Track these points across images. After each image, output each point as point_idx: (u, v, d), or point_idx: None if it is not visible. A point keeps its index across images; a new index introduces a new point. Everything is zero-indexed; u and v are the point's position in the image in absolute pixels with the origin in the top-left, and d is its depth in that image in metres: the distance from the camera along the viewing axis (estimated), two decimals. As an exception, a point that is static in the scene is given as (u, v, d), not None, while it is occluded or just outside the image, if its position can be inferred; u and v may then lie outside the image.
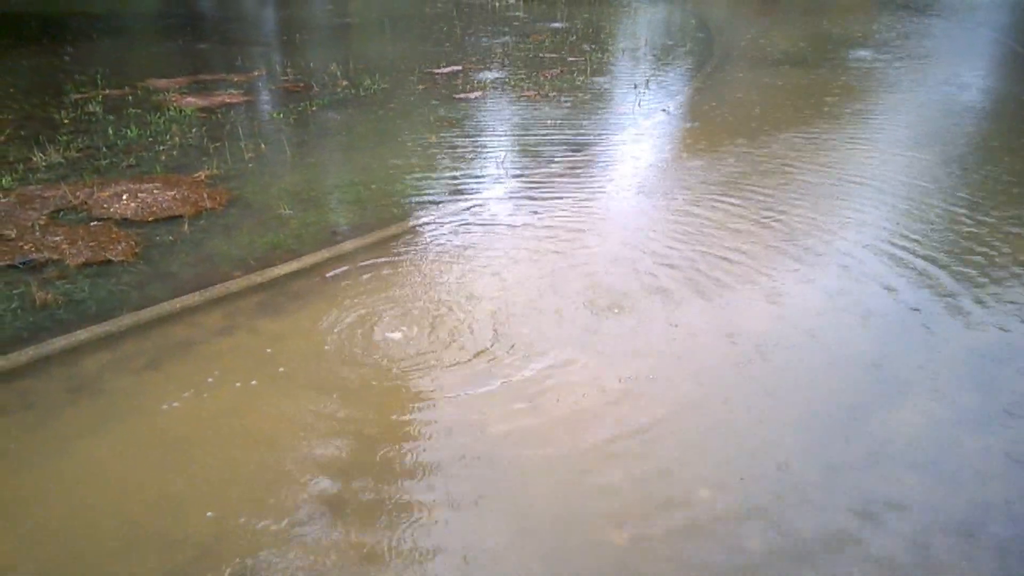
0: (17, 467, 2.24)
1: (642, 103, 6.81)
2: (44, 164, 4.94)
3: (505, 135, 5.86)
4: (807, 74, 8.16)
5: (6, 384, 2.62)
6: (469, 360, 2.80)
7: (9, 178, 4.64)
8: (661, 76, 8.10)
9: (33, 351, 2.79)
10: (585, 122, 6.21)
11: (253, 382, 2.66)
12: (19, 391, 2.59)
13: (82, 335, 2.91)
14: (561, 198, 4.47)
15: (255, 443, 2.36)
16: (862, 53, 9.45)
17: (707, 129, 5.97)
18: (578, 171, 4.99)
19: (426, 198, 4.46)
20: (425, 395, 2.60)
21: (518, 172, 4.95)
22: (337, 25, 12.96)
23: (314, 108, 6.54)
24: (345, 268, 3.56)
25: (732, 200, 4.38)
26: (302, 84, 7.53)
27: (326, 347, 2.87)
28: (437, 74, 8.10)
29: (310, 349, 2.87)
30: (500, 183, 4.76)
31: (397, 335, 2.96)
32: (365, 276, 3.48)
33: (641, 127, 6.06)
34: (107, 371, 2.73)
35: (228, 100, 6.90)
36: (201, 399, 2.56)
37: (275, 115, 6.31)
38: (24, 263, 3.51)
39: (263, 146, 5.43)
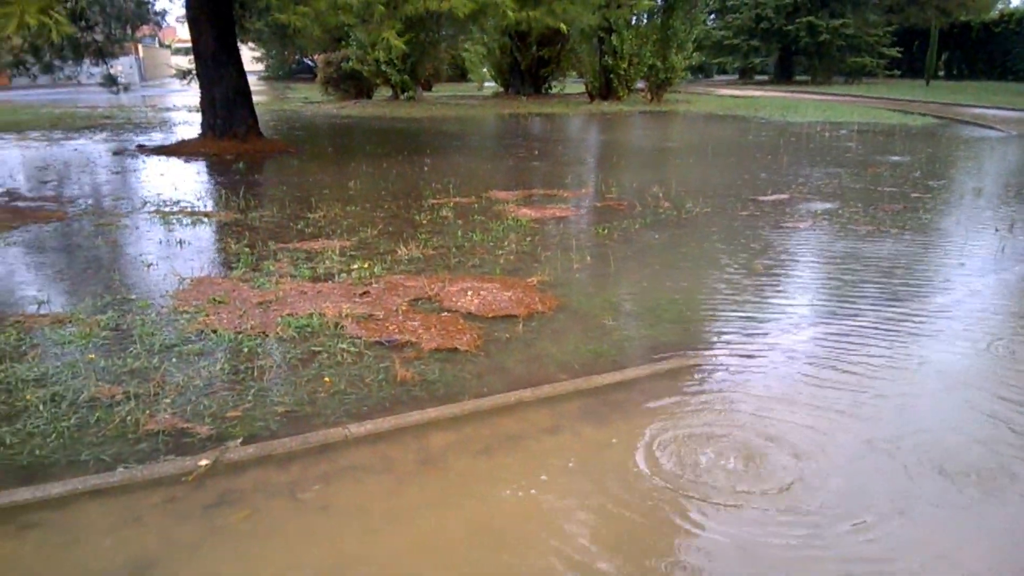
0: (375, 526, 2.49)
1: (1006, 249, 6.04)
2: (406, 257, 5.71)
3: (837, 271, 5.54)
4: None
5: (372, 446, 2.98)
6: (788, 508, 2.57)
7: (379, 267, 5.42)
8: (1029, 220, 7.16)
9: (394, 420, 3.15)
10: (935, 265, 5.66)
11: (577, 486, 2.71)
12: (381, 455, 2.92)
13: (432, 413, 3.23)
14: (900, 346, 4.07)
15: (572, 550, 2.37)
16: None
17: (1091, 284, 5.09)
18: (925, 318, 4.53)
19: (750, 326, 4.34)
20: (735, 537, 2.42)
21: (853, 312, 4.61)
22: (658, 149, 13.56)
23: (637, 227, 6.81)
24: (666, 385, 3.55)
25: None
26: (625, 203, 7.91)
27: (639, 462, 2.84)
28: (762, 201, 8.01)
29: (625, 463, 2.86)
30: (830, 320, 4.48)
31: (712, 466, 2.85)
32: (685, 397, 3.43)
33: (1004, 276, 5.34)
34: (450, 450, 2.97)
35: (558, 214, 7.47)
36: (530, 495, 2.66)
37: (600, 230, 6.66)
38: (389, 342, 4.02)
39: (588, 258, 5.74)
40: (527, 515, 2.55)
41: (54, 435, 2.96)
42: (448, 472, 2.82)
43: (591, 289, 5.03)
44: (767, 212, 7.49)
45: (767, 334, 4.22)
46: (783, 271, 5.52)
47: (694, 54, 26.18)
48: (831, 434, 3.08)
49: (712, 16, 37.57)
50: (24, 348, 3.85)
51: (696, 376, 3.67)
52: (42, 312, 4.42)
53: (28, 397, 3.27)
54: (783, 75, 39.72)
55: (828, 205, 7.81)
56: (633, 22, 24.15)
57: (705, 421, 3.20)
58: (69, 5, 13.16)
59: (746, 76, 42.58)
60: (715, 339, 4.15)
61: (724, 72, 47.51)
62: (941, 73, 38.66)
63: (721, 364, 3.81)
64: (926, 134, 15.05)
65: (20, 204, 7.92)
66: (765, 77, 42.03)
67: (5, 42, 14.85)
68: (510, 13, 9.52)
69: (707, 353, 3.95)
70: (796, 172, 10.05)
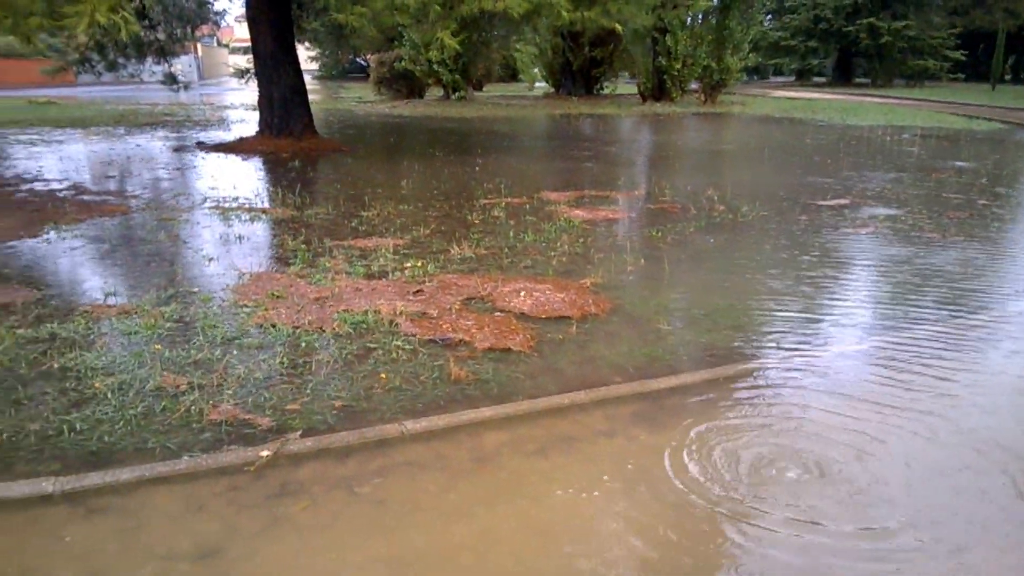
0: (431, 522, 2.50)
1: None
2: (459, 257, 5.73)
3: (900, 278, 5.38)
4: None
5: (426, 443, 2.99)
6: (858, 527, 2.50)
7: (433, 266, 5.45)
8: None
9: (448, 419, 3.16)
10: (1003, 273, 5.46)
11: (631, 491, 2.68)
12: (435, 452, 2.94)
13: (486, 412, 3.23)
14: (966, 356, 3.93)
15: (627, 555, 2.35)
16: None
17: None
18: (994, 327, 4.37)
19: (809, 334, 4.24)
20: (793, 550, 2.36)
21: (917, 321, 4.48)
22: (712, 151, 13.38)
23: (691, 230, 6.72)
24: (724, 392, 3.50)
25: None
26: (678, 206, 7.82)
27: (696, 469, 2.80)
28: (822, 206, 7.84)
29: (682, 469, 2.82)
30: (893, 329, 4.35)
31: (769, 475, 2.78)
32: (743, 405, 3.37)
33: (1076, 285, 5.13)
34: (504, 450, 2.97)
35: (610, 215, 7.43)
36: (585, 497, 2.64)
37: (653, 233, 6.59)
38: (442, 340, 4.04)
39: (642, 261, 5.69)
40: (582, 517, 2.54)
41: (122, 422, 3.05)
42: (502, 471, 2.82)
43: (645, 292, 4.98)
44: (827, 217, 7.32)
45: (827, 342, 4.12)
46: (844, 277, 5.39)
47: (750, 55, 25.76)
48: (892, 446, 3.00)
49: (769, 16, 36.93)
50: (92, 337, 3.97)
51: (754, 384, 3.60)
52: (109, 303, 4.56)
53: (97, 385, 3.37)
54: (841, 77, 38.87)
55: (890, 211, 7.60)
56: (688, 22, 23.88)
57: (764, 430, 3.14)
58: (135, 4, 13.56)
59: (803, 78, 41.78)
60: (774, 346, 4.07)
61: (780, 73, 46.72)
62: (1008, 77, 37.31)
63: (780, 372, 3.74)
64: (992, 140, 14.55)
65: (86, 198, 8.19)
66: (822, 79, 41.19)
67: (72, 40, 15.40)
68: (565, 13, 9.49)
69: (766, 360, 3.88)
70: (856, 176, 9.81)
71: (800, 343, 4.10)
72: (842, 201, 8.09)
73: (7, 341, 3.86)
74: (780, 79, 45.89)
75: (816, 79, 41.53)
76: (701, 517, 2.52)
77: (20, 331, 4.02)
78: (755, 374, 3.71)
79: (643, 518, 2.52)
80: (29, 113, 19.59)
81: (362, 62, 42.91)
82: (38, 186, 8.90)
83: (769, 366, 3.80)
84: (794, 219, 7.22)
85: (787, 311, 4.61)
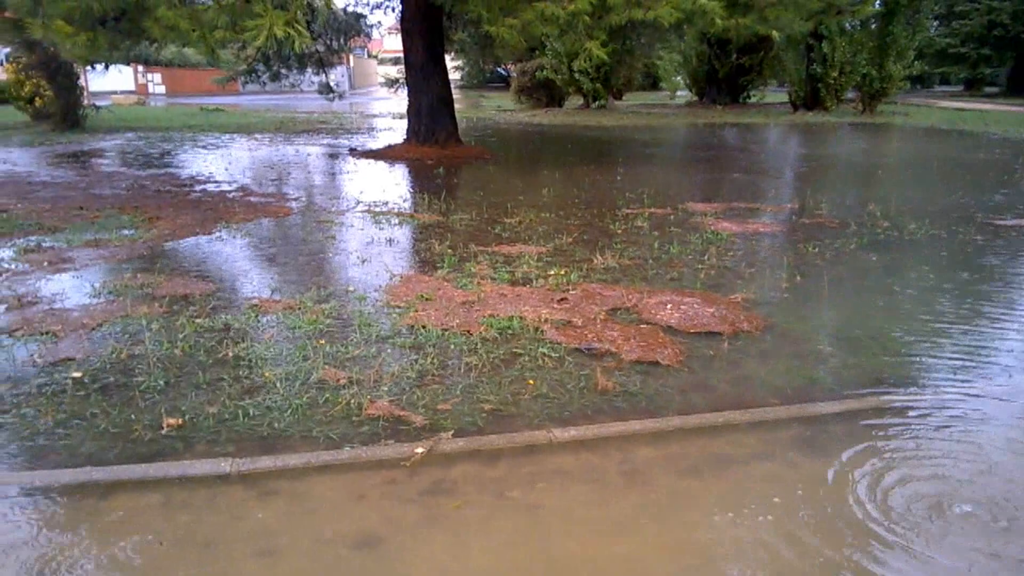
0: (585, 535, 2.46)
1: None
2: (602, 267, 5.67)
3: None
4: None
5: (575, 453, 2.96)
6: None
7: (576, 274, 5.42)
8: None
9: (596, 429, 3.12)
10: None
11: (794, 518, 2.52)
12: (584, 462, 2.90)
13: (635, 425, 3.16)
14: None
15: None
16: None
17: None
18: None
19: (991, 368, 3.86)
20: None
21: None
22: (873, 163, 12.58)
23: (852, 247, 6.32)
24: (893, 422, 3.24)
25: None
26: (836, 220, 7.39)
27: (862, 502, 2.59)
28: (1000, 226, 7.17)
29: (846, 501, 2.62)
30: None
31: (941, 513, 2.54)
32: (914, 438, 3.10)
33: None
34: (656, 466, 2.89)
35: (761, 229, 7.12)
36: (746, 523, 2.51)
37: (809, 249, 6.26)
38: (588, 349, 4.00)
39: (798, 277, 5.40)
40: (741, 544, 2.41)
41: (289, 411, 3.22)
42: (655, 489, 2.73)
43: (802, 311, 4.72)
44: (1007, 238, 6.68)
45: (1006, 372, 3.74)
46: (1029, 305, 4.89)
47: (915, 63, 24.03)
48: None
49: (936, 22, 34.39)
50: (261, 329, 4.24)
51: (927, 416, 3.31)
52: (274, 298, 4.85)
53: (267, 374, 3.59)
54: (1016, 88, 35.57)
55: (1083, 233, 6.84)
56: (847, 28, 22.62)
57: (938, 463, 2.88)
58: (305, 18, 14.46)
59: (972, 88, 38.60)
60: (947, 374, 3.73)
61: (947, 83, 43.46)
62: None
63: (955, 402, 3.42)
64: None
65: (252, 199, 8.79)
66: (994, 90, 37.89)
67: (241, 52, 16.65)
68: (718, 20, 9.23)
69: (938, 389, 3.56)
70: (1039, 194, 8.92)
71: (976, 372, 3.75)
72: (1023, 222, 7.36)
73: (188, 329, 4.19)
74: (946, 88, 42.64)
75: (987, 89, 38.26)
76: (860, 558, 2.34)
77: (199, 320, 4.35)
78: (930, 406, 3.41)
79: (807, 550, 2.37)
80: (201, 119, 21.37)
81: (503, 71, 43.77)
82: (210, 187, 9.66)
83: (942, 396, 3.49)
84: (969, 239, 6.63)
85: (961, 338, 4.23)
